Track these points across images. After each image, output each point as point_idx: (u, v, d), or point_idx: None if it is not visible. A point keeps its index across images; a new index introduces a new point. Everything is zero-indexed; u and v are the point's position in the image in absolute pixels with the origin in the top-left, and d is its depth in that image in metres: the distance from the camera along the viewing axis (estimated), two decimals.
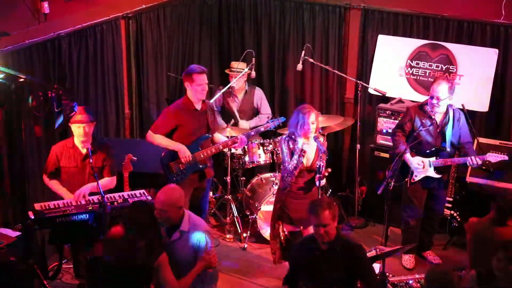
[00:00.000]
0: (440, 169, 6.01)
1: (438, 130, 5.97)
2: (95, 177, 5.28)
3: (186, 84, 5.90)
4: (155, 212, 4.57)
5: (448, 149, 5.99)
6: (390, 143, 6.43)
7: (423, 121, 5.93)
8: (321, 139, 5.72)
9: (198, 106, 5.95)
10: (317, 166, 5.47)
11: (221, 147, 6.03)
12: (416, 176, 6.02)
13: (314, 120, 5.56)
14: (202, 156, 5.90)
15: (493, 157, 5.84)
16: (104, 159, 5.65)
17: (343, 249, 4.48)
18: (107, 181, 5.62)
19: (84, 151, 5.56)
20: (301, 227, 5.83)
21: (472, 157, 5.80)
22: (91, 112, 5.61)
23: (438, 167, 5.98)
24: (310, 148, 5.63)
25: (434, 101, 5.86)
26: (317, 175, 5.49)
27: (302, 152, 5.52)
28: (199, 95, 5.87)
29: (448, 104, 5.93)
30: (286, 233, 5.95)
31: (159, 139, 5.92)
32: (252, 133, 6.12)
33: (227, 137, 6.35)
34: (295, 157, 5.54)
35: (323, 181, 5.59)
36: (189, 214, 4.72)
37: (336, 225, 4.52)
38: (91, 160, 5.44)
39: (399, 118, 6.50)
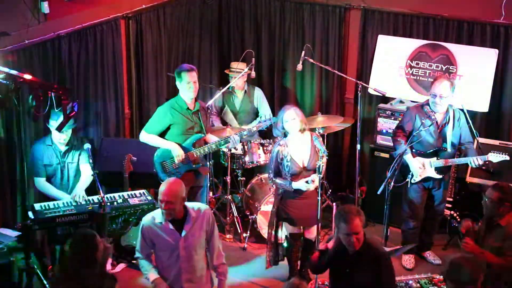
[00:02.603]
0: (441, 170, 6.01)
1: (438, 131, 5.97)
2: (95, 178, 5.29)
3: (176, 82, 5.95)
4: (163, 206, 4.67)
5: (449, 150, 5.99)
6: (390, 143, 6.43)
7: (423, 121, 5.91)
8: (318, 136, 5.66)
9: (191, 106, 5.96)
10: (317, 166, 5.46)
11: (213, 147, 6.03)
12: (417, 177, 6.02)
13: (294, 116, 5.55)
14: (195, 156, 5.91)
15: (495, 157, 5.83)
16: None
17: (370, 253, 4.48)
18: (87, 178, 5.80)
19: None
20: (302, 228, 5.83)
21: (474, 158, 5.80)
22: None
23: (438, 167, 5.97)
24: (303, 147, 5.59)
25: (438, 99, 5.84)
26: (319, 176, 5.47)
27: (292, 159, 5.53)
28: (189, 93, 5.88)
29: (448, 104, 5.93)
30: (286, 234, 5.93)
31: (152, 139, 5.93)
32: (245, 133, 6.11)
33: (226, 137, 6.34)
34: (286, 170, 5.55)
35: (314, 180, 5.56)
36: (187, 203, 4.90)
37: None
38: (90, 160, 5.45)
39: (399, 118, 6.50)
